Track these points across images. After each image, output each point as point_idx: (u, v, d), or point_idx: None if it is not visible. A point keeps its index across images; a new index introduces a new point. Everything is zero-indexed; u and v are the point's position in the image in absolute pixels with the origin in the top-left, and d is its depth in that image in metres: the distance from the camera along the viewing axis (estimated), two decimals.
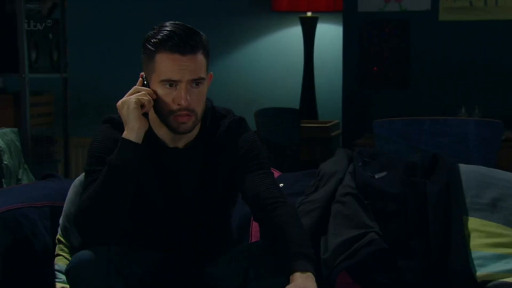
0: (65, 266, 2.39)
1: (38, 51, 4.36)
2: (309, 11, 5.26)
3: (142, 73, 2.31)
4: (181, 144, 2.33)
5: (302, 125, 4.91)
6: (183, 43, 2.20)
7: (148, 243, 2.35)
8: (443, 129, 3.37)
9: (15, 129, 3.78)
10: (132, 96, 2.24)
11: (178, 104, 2.23)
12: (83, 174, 2.47)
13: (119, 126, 2.29)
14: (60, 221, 2.63)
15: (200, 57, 2.24)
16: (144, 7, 5.58)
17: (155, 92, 2.26)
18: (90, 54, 5.65)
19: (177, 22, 2.26)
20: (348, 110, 5.06)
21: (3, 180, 3.54)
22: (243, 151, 2.35)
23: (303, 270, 2.13)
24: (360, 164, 2.85)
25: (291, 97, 5.42)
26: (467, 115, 4.51)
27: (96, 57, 5.68)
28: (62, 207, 2.65)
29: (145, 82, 2.30)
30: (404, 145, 3.40)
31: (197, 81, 2.24)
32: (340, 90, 5.15)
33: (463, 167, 2.79)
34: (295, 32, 5.44)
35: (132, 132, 2.23)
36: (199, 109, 2.27)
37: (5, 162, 3.56)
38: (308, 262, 2.16)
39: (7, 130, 3.69)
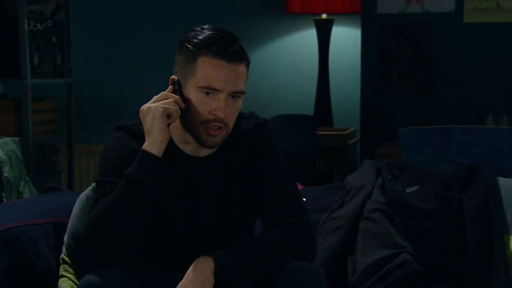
0: None
1: (41, 55, 4.32)
2: (324, 13, 5.21)
3: (173, 76, 2.18)
4: (202, 153, 2.22)
5: (317, 132, 4.86)
6: (231, 48, 2.11)
7: (163, 261, 2.25)
8: (474, 139, 3.32)
9: (16, 139, 3.74)
10: (160, 104, 2.12)
11: (214, 115, 2.12)
12: (89, 188, 2.44)
13: (135, 134, 2.19)
14: (65, 239, 2.51)
15: (243, 68, 2.15)
16: (151, 9, 5.56)
17: (187, 99, 2.15)
18: (95, 58, 5.61)
19: (219, 27, 2.16)
20: (366, 117, 5.02)
21: (3, 193, 3.48)
22: (265, 159, 2.24)
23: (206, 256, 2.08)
24: (389, 177, 2.78)
25: (305, 103, 5.37)
26: (495, 122, 4.48)
27: (101, 62, 5.64)
28: (66, 223, 2.53)
29: (175, 87, 2.17)
30: (433, 156, 3.34)
31: (238, 94, 2.15)
32: (356, 95, 5.11)
33: (502, 180, 2.73)
34: (309, 35, 5.38)
35: (155, 144, 2.11)
36: (232, 124, 2.17)
37: (5, 174, 3.51)
38: (227, 253, 2.08)
39: (7, 139, 3.64)
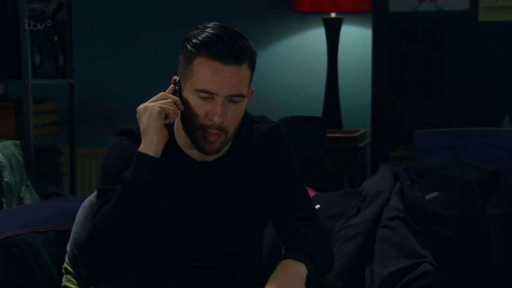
0: None
1: (42, 55, 4.30)
2: (333, 11, 5.21)
3: (175, 77, 2.13)
4: (209, 157, 2.16)
5: (326, 134, 4.85)
6: (229, 50, 2.03)
7: (171, 269, 2.19)
8: (493, 141, 3.29)
9: (17, 142, 3.75)
10: (156, 103, 2.06)
11: (211, 120, 2.06)
12: (93, 194, 2.41)
13: (139, 139, 2.11)
14: (68, 247, 2.47)
15: (245, 70, 2.07)
16: (155, 8, 5.57)
17: (186, 101, 2.09)
18: (98, 59, 5.60)
19: (224, 25, 2.09)
20: (377, 119, 4.99)
21: (3, 199, 3.48)
22: (276, 164, 2.19)
23: (296, 259, 1.99)
24: (408, 182, 2.75)
25: (314, 104, 5.37)
26: (511, 124, 4.43)
27: (104, 62, 5.64)
28: (69, 231, 2.49)
29: (176, 87, 2.12)
30: (450, 159, 3.29)
31: (236, 98, 2.07)
32: (366, 96, 5.09)
33: None
34: (318, 35, 5.37)
35: (151, 145, 2.06)
36: (232, 129, 2.11)
37: (5, 179, 3.51)
38: (307, 258, 2.01)
39: (8, 143, 3.65)
